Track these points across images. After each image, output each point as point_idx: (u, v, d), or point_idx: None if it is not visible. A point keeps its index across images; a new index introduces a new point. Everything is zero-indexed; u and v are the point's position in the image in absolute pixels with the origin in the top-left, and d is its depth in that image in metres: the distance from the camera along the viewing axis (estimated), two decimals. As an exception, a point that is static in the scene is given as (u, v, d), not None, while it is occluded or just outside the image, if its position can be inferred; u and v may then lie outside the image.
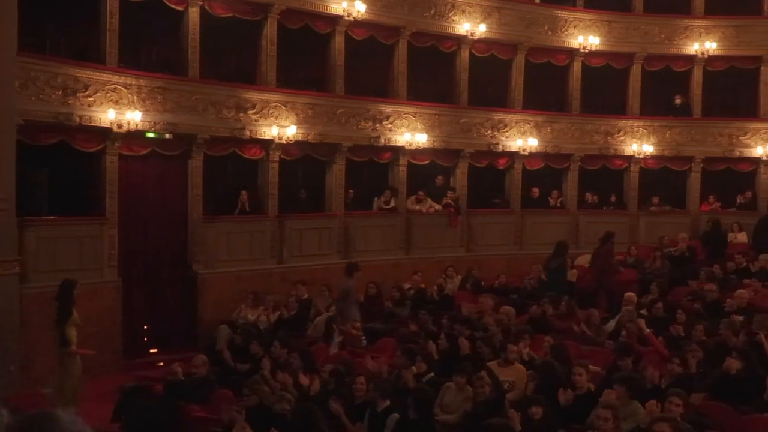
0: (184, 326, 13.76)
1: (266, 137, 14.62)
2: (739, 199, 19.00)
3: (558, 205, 18.73)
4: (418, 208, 16.98)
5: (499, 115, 18.00)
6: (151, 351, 13.53)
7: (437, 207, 17.09)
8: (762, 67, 19.15)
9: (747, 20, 19.35)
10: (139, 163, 13.50)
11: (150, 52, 14.75)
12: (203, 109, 13.80)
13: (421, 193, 17.03)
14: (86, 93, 12.26)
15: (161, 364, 12.60)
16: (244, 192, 14.70)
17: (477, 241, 17.73)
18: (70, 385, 9.81)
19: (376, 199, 16.64)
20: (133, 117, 12.61)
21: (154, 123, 13.13)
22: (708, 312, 11.32)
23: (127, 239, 13.17)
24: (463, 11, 17.34)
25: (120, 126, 12.48)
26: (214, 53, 15.07)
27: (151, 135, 13.32)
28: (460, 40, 17.41)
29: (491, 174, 18.58)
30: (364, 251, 16.04)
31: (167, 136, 13.55)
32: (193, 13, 13.84)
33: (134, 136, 12.94)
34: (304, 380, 8.76)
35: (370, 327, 12.22)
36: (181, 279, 13.86)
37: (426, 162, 17.26)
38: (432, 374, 8.86)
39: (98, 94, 12.40)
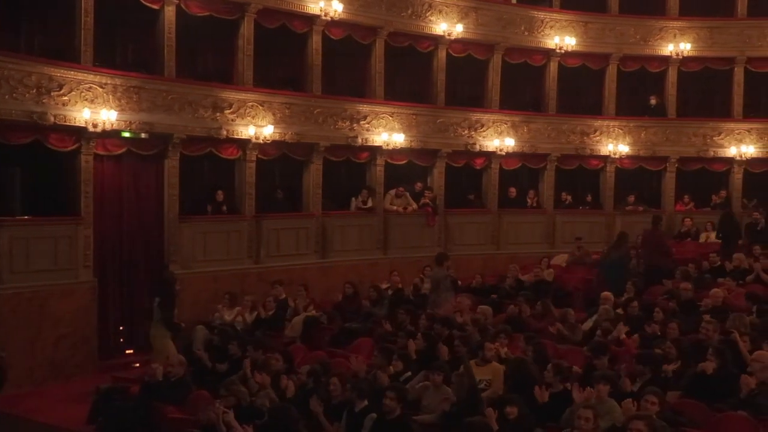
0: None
1: (243, 137, 14.57)
2: (714, 199, 19.20)
3: (534, 204, 18.83)
4: (395, 207, 16.99)
5: (476, 115, 18.06)
6: (127, 352, 13.44)
7: (414, 206, 17.12)
8: (735, 68, 19.36)
9: (720, 22, 19.56)
10: (115, 163, 13.38)
11: (126, 51, 14.65)
12: (179, 108, 13.72)
13: (401, 188, 17.06)
14: (61, 92, 12.15)
15: (137, 365, 12.53)
16: (220, 192, 14.65)
17: (454, 240, 17.78)
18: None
19: (353, 199, 16.64)
20: (109, 116, 12.52)
21: (130, 122, 13.03)
22: (683, 310, 11.42)
23: (103, 239, 13.06)
24: (440, 11, 17.38)
25: (95, 125, 12.37)
26: (191, 52, 14.99)
27: (126, 134, 13.22)
28: (437, 40, 17.44)
29: (468, 174, 18.63)
30: (342, 251, 16.07)
31: (143, 135, 13.45)
32: (169, 12, 13.75)
33: (109, 135, 12.84)
34: (285, 382, 8.71)
35: (347, 327, 12.20)
36: (157, 279, 13.74)
37: (403, 162, 17.29)
38: (409, 373, 8.86)
39: (73, 93, 12.29)
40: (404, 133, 16.78)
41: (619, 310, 11.69)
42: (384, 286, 14.12)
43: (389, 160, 16.98)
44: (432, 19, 17.28)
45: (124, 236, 13.52)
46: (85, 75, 12.50)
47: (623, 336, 9.37)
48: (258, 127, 14.65)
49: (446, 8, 17.47)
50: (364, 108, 16.45)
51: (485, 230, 18.20)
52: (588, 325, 11.42)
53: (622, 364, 8.80)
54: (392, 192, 17.01)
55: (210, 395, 8.69)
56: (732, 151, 19.10)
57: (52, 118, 12.00)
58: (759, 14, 19.48)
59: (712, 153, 19.28)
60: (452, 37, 17.41)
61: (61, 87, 12.16)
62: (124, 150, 13.29)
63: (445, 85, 17.78)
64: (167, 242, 13.81)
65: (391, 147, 16.60)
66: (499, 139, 18.06)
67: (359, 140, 16.27)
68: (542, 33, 18.71)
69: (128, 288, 13.55)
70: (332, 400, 8.05)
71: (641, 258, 14.77)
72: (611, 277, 13.49)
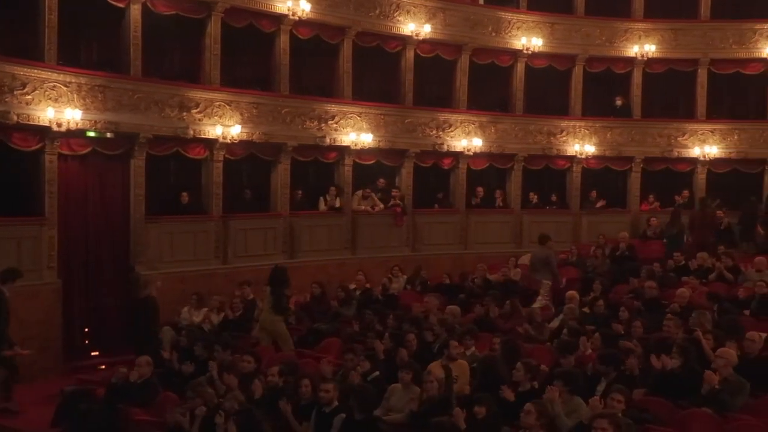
0: (126, 329, 13.53)
1: (210, 137, 14.49)
2: (678, 199, 19.42)
3: (502, 204, 18.94)
4: (363, 207, 17.01)
5: (443, 115, 18.13)
6: (92, 354, 13.29)
7: (381, 206, 17.14)
8: (699, 70, 19.62)
9: (684, 23, 19.81)
10: (80, 163, 13.25)
11: (90, 49, 14.49)
12: (145, 107, 13.62)
13: (367, 189, 17.07)
14: (24, 91, 12.01)
15: (103, 367, 12.40)
16: (184, 193, 14.55)
17: (422, 240, 17.83)
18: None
19: (321, 198, 16.61)
20: (73, 116, 12.39)
21: (95, 122, 12.91)
22: (647, 309, 11.55)
23: (67, 240, 12.91)
24: (408, 12, 17.41)
25: (59, 125, 12.24)
26: (157, 51, 14.86)
27: (91, 134, 13.09)
28: (405, 40, 17.48)
29: (436, 174, 18.69)
30: (310, 251, 16.04)
31: (108, 135, 13.33)
32: (135, 11, 13.62)
33: (74, 135, 12.72)
34: (254, 384, 8.67)
35: (315, 327, 12.18)
36: (122, 280, 13.63)
37: (371, 162, 17.30)
38: (377, 373, 8.87)
39: (37, 92, 12.15)
40: (372, 133, 16.78)
41: (586, 309, 11.81)
42: (352, 286, 14.12)
43: (357, 160, 16.98)
44: (400, 19, 17.30)
45: (90, 237, 13.38)
46: (49, 74, 12.36)
47: (588, 352, 9.42)
48: (225, 127, 14.58)
49: (414, 9, 17.50)
50: (332, 108, 16.43)
51: (453, 230, 18.27)
52: (555, 324, 11.51)
53: (588, 363, 8.90)
54: (359, 193, 17.02)
55: (177, 397, 8.63)
56: (696, 151, 19.35)
57: (15, 117, 11.85)
58: (721, 16, 19.79)
59: (676, 153, 19.53)
60: (420, 38, 17.45)
61: (24, 86, 12.01)
62: (89, 150, 13.16)
63: (413, 85, 17.82)
64: (133, 243, 13.70)
65: (359, 147, 16.60)
66: (466, 140, 18.15)
67: (327, 140, 16.25)
68: (509, 34, 18.82)
69: (94, 289, 13.40)
70: (301, 401, 8.04)
71: (690, 235, 16.54)
72: (670, 249, 15.76)
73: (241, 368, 8.95)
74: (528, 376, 8.00)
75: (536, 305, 13.12)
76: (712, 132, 19.49)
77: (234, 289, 13.54)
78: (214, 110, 14.57)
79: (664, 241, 16.61)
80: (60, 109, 12.30)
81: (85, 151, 13.14)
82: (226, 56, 15.10)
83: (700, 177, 19.50)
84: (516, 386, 7.94)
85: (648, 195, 19.66)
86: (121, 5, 13.54)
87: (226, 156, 14.99)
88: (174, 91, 14.14)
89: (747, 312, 11.69)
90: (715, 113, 20.01)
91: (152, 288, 12.18)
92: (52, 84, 12.34)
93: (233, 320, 12.61)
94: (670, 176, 19.79)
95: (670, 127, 19.66)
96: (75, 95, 12.62)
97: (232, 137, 14.65)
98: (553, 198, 19.40)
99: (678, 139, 19.56)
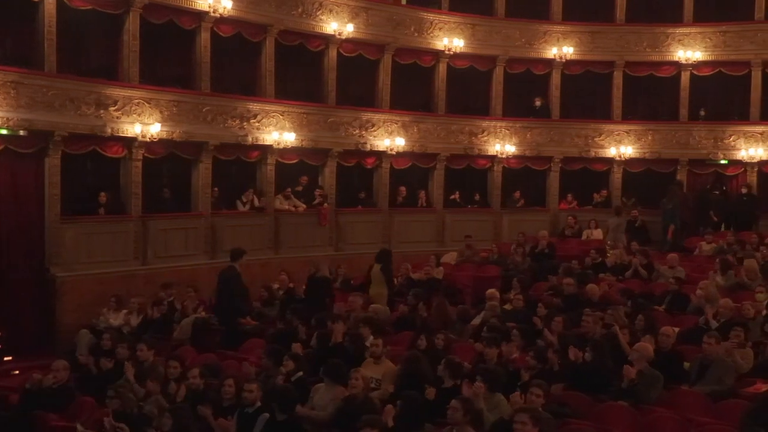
0: (42, 332, 13.17)
1: (129, 135, 14.19)
2: (596, 198, 19.92)
3: (424, 204, 19.08)
4: (287, 206, 16.91)
5: (366, 115, 18.16)
6: (6, 359, 12.85)
7: (302, 207, 17.07)
8: (615, 72, 20.14)
9: (601, 27, 20.32)
10: (-9, 161, 12.82)
11: (3, 44, 14.01)
12: (61, 105, 13.26)
13: (288, 189, 16.98)
14: (-69, 87, 11.56)
15: (17, 372, 12.00)
16: (102, 193, 14.21)
17: (346, 240, 17.83)
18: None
19: (238, 200, 16.40)
20: (-16, 113, 11.99)
21: (7, 119, 12.52)
22: (566, 305, 11.80)
23: (-22, 241, 12.48)
24: (331, 11, 17.37)
25: (-31, 122, 11.83)
26: (73, 47, 14.52)
27: (3, 132, 12.68)
28: (327, 39, 17.44)
29: (359, 173, 18.72)
30: (232, 251, 15.83)
31: (21, 132, 12.93)
32: (50, 5, 13.24)
33: (-15, 132, 12.31)
34: (175, 387, 8.51)
35: (238, 328, 12.05)
36: (37, 282, 13.25)
37: (294, 161, 17.21)
38: (301, 373, 8.82)
39: (-56, 88, 11.71)
40: (295, 132, 16.70)
41: (507, 306, 11.98)
42: (275, 286, 14.02)
43: (280, 159, 16.87)
44: (323, 18, 17.26)
45: (2, 238, 12.96)
46: (-42, 69, 11.93)
47: (515, 355, 9.55)
48: (144, 125, 14.30)
49: (337, 8, 17.48)
50: (255, 106, 16.28)
51: (376, 229, 18.31)
52: (477, 321, 11.64)
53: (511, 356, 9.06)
54: (279, 197, 16.90)
55: (95, 401, 8.43)
56: (612, 151, 19.86)
57: None
58: (636, 20, 20.36)
59: (593, 153, 20.01)
60: (343, 37, 17.44)
61: (-69, 81, 11.57)
62: (1, 148, 12.73)
63: (336, 84, 17.80)
64: (48, 244, 13.33)
65: (282, 146, 16.49)
66: (389, 139, 18.22)
67: (249, 139, 16.10)
68: (431, 34, 18.98)
69: (7, 291, 12.96)
70: (223, 402, 7.94)
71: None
72: (668, 221, 17.65)
73: (168, 374, 8.79)
74: (449, 373, 8.08)
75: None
76: (627, 133, 20.03)
77: (154, 291, 13.32)
78: (133, 108, 14.27)
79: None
80: (-31, 106, 11.90)
81: (-4, 150, 12.72)
82: (146, 53, 14.82)
83: (617, 176, 20.03)
84: (440, 384, 8.01)
85: (567, 194, 20.10)
86: (34, -1, 13.16)
87: (146, 155, 14.70)
88: (91, 88, 13.80)
89: (661, 308, 12.06)
90: (630, 114, 20.58)
91: (324, 268, 13.48)
92: (-39, 80, 11.92)
93: (154, 322, 12.37)
94: (588, 176, 20.27)
95: (588, 127, 20.13)
96: (-15, 92, 12.21)
97: (152, 136, 14.38)
98: (477, 197, 19.64)
99: (595, 139, 20.05)
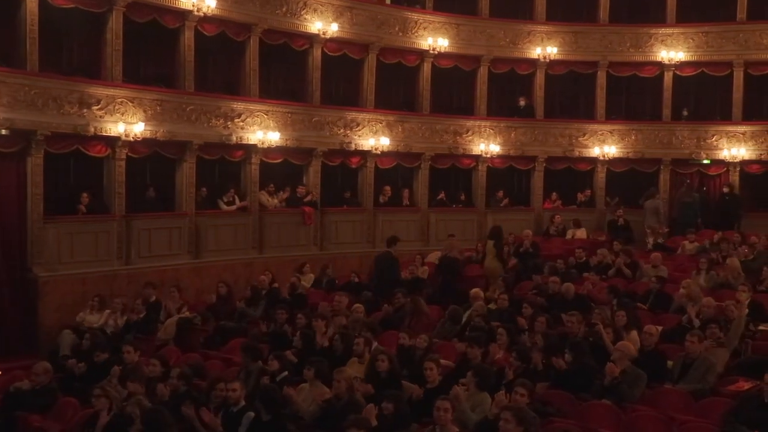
0: (23, 332, 13.07)
1: (112, 134, 14.11)
2: (579, 197, 20.00)
3: (409, 203, 19.09)
4: (274, 201, 16.89)
5: (351, 114, 18.15)
6: (-13, 359, 12.76)
7: (284, 197, 17.11)
8: (598, 72, 20.24)
9: (584, 27, 20.43)
10: (-28, 161, 12.71)
11: (-17, 43, 13.92)
12: (43, 104, 13.16)
13: (271, 185, 16.96)
14: None
15: (-1, 373, 11.91)
16: (84, 194, 14.10)
17: (330, 239, 17.82)
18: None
19: (219, 200, 16.33)
20: (-35, 112, 11.89)
21: (-11, 118, 12.41)
22: (550, 304, 11.83)
23: (-41, 241, 12.37)
24: (315, 10, 17.35)
25: (-50, 121, 11.73)
26: (56, 46, 14.43)
27: (-15, 131, 12.58)
28: (312, 38, 17.42)
29: (344, 172, 18.71)
30: (216, 251, 15.82)
31: (3, 132, 12.81)
32: (31, 3, 13.14)
33: (-34, 131, 12.20)
34: (159, 388, 8.47)
35: (222, 327, 12.02)
36: (19, 282, 13.15)
37: (279, 160, 17.17)
38: (286, 373, 8.82)
39: (-76, 87, 11.60)
40: (279, 131, 16.66)
41: (492, 305, 12.00)
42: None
43: (264, 159, 16.82)
44: (307, 17, 17.23)
45: (-17, 238, 12.84)
46: (-61, 68, 11.82)
47: (499, 356, 9.57)
48: (128, 124, 14.22)
49: (321, 7, 17.46)
50: (239, 106, 16.23)
51: (361, 228, 18.32)
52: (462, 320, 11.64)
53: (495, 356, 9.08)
54: (264, 191, 16.88)
55: (77, 402, 8.38)
56: (595, 151, 19.95)
57: None
58: (620, 20, 20.47)
59: (577, 153, 20.10)
60: (327, 36, 17.42)
61: None
62: (-17, 147, 12.64)
63: (321, 83, 17.78)
64: (30, 243, 13.22)
65: (266, 145, 16.45)
66: (374, 138, 18.22)
67: (234, 138, 16.05)
68: (416, 34, 18.99)
69: (-12, 292, 12.87)
70: (209, 403, 7.91)
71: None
72: (685, 215, 18.29)
73: (148, 372, 8.75)
74: (437, 372, 8.11)
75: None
76: (611, 132, 20.13)
77: (138, 290, 13.27)
78: (116, 107, 14.19)
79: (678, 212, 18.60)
80: (-50, 105, 11.79)
81: (-22, 149, 12.61)
82: (129, 52, 14.76)
83: (600, 176, 20.13)
84: (424, 383, 8.03)
85: (551, 193, 20.17)
86: (16, -3, 13.06)
87: (129, 154, 14.62)
88: (73, 87, 13.70)
89: (645, 307, 12.11)
90: (613, 114, 20.68)
91: (455, 251, 15.17)
92: (-59, 78, 11.81)
93: (137, 322, 12.31)
94: (572, 175, 20.36)
95: (571, 127, 20.22)
96: (-34, 91, 12.11)
97: (135, 135, 14.31)
98: (462, 197, 19.67)
99: (579, 139, 20.13)
